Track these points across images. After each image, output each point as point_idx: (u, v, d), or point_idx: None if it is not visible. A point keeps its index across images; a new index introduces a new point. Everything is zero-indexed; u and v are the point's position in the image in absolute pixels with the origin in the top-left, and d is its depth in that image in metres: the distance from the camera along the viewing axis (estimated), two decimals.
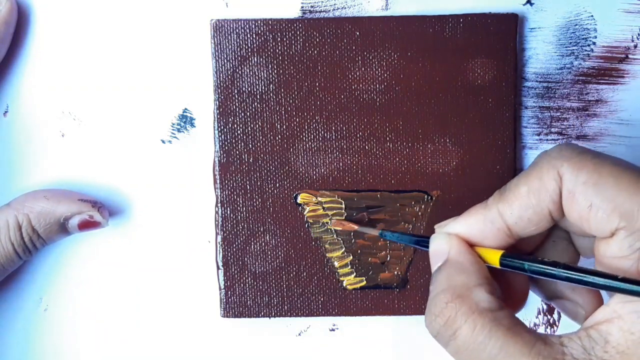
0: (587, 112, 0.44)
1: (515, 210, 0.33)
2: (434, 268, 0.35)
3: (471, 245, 0.35)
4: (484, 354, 0.31)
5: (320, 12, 0.43)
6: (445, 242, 0.35)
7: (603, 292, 0.35)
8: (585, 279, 0.30)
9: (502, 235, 0.34)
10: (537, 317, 0.45)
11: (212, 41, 0.43)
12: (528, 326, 0.32)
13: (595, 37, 0.43)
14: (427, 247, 0.36)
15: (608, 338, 0.30)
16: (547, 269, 0.32)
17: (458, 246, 0.34)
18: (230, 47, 0.43)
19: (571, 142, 0.34)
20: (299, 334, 0.46)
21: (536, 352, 0.30)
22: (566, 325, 0.45)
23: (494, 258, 0.34)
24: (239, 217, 0.44)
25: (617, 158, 0.32)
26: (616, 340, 0.30)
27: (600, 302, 0.36)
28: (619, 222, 0.31)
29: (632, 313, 0.30)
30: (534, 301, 0.45)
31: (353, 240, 0.44)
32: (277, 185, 0.44)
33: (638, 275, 0.31)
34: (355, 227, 0.43)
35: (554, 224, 0.34)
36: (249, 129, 0.43)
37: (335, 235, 0.44)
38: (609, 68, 0.44)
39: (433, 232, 0.36)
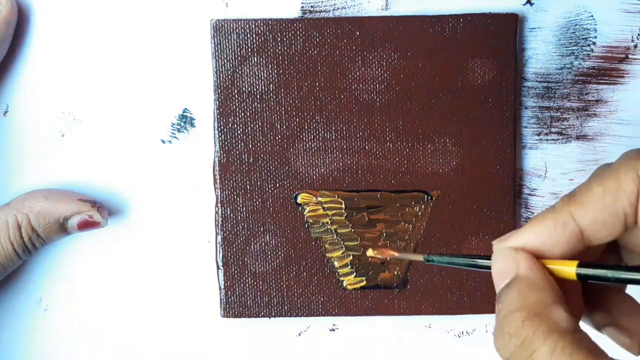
0: (587, 112, 0.44)
1: (589, 211, 0.31)
2: (499, 287, 0.32)
3: (538, 258, 0.32)
4: None
5: (320, 12, 0.43)
6: (511, 258, 0.32)
7: None
8: None
9: (574, 240, 0.31)
10: None
11: (212, 41, 0.43)
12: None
13: (595, 37, 0.43)
14: (483, 267, 0.33)
15: None
16: (633, 275, 0.30)
17: (527, 261, 0.31)
18: (230, 47, 0.43)
19: None
20: (299, 334, 0.46)
21: None
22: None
23: (566, 271, 0.31)
24: (239, 217, 0.44)
25: None
26: None
27: None
28: None
29: None
30: None
31: (358, 241, 0.44)
32: (277, 185, 0.44)
33: None
34: (395, 254, 0.39)
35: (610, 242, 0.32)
36: (249, 129, 0.43)
37: (335, 235, 0.44)
38: (609, 68, 0.44)
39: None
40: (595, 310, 0.35)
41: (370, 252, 0.40)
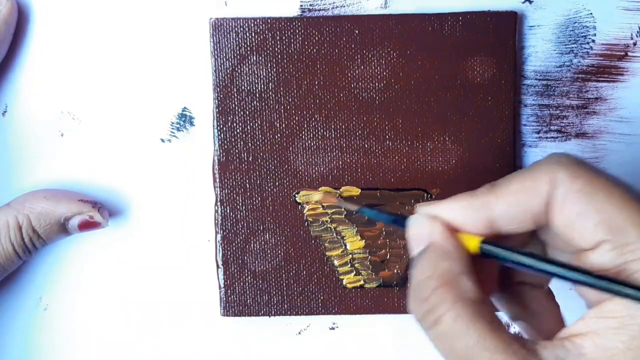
0: (586, 109, 0.44)
1: (502, 204, 0.33)
2: (414, 251, 0.34)
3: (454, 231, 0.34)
4: (460, 343, 0.31)
5: (319, 10, 0.43)
6: (428, 225, 0.34)
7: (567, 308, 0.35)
8: (564, 274, 0.31)
9: (483, 225, 0.33)
10: None
11: (211, 40, 0.43)
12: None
13: (595, 34, 0.43)
14: (402, 226, 0.35)
15: (582, 351, 0.30)
16: (527, 260, 0.32)
17: (442, 231, 0.33)
18: (229, 45, 0.43)
19: (567, 153, 0.34)
20: (299, 333, 0.46)
21: (512, 351, 0.30)
22: None
23: (472, 244, 0.33)
24: (239, 216, 0.44)
25: (610, 174, 0.32)
26: (591, 354, 0.30)
27: (560, 323, 0.36)
28: (605, 234, 0.31)
29: (608, 329, 0.30)
30: None
31: (357, 235, 0.44)
32: (277, 183, 0.44)
33: None
34: (334, 200, 0.42)
35: (533, 232, 0.34)
36: (249, 127, 0.43)
37: (335, 234, 0.44)
38: (608, 66, 0.44)
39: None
40: (513, 301, 0.37)
41: (315, 196, 0.43)
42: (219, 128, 0.43)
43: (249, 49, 0.43)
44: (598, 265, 0.31)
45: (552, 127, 0.44)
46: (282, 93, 0.43)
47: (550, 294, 0.37)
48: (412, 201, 0.44)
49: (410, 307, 0.33)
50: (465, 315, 0.31)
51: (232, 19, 0.43)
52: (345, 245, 0.44)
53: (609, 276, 0.30)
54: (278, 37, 0.43)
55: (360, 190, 0.44)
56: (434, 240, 0.33)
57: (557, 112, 0.44)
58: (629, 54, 0.44)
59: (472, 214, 0.33)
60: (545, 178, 0.32)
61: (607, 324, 0.30)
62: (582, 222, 0.31)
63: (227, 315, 0.45)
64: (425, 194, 0.44)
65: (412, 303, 0.33)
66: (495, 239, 0.34)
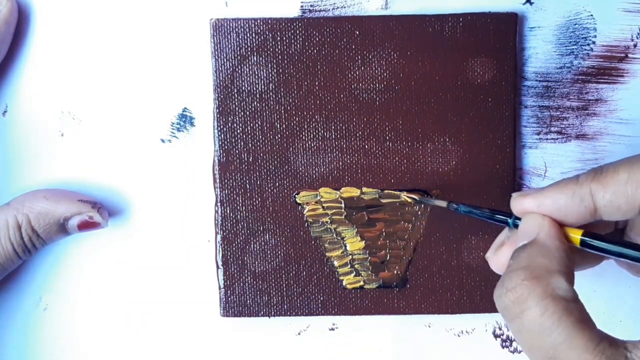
0: (586, 111, 0.44)
1: (608, 194, 0.32)
2: (519, 244, 0.34)
3: (561, 226, 0.34)
4: (548, 339, 0.30)
5: (319, 11, 0.43)
6: (537, 223, 0.34)
7: None
8: None
9: (586, 214, 0.33)
10: None
11: (212, 40, 0.43)
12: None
13: (595, 36, 0.43)
14: (504, 222, 0.35)
15: None
16: (631, 252, 0.32)
17: (549, 229, 0.33)
18: (229, 46, 0.43)
19: None
20: (299, 333, 0.46)
21: (600, 350, 0.30)
22: None
23: (574, 237, 0.33)
24: (239, 217, 0.44)
25: None
26: None
27: None
28: None
29: None
30: None
31: (356, 236, 0.44)
32: (277, 184, 0.44)
33: None
34: (416, 196, 0.42)
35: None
36: (249, 128, 0.43)
37: (335, 235, 0.44)
38: (609, 67, 0.44)
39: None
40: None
41: (403, 195, 0.43)
42: (219, 128, 0.43)
43: (249, 49, 0.43)
44: None
45: (552, 129, 0.44)
46: (282, 94, 0.43)
47: None
48: (412, 202, 0.44)
49: (495, 295, 0.33)
50: (554, 312, 0.30)
51: (233, 19, 0.43)
52: (345, 246, 0.44)
53: None
54: (278, 38, 0.43)
55: (359, 191, 0.44)
56: (539, 237, 0.33)
57: (558, 113, 0.44)
58: (629, 55, 0.44)
59: (578, 202, 0.33)
60: None
61: None
62: None
63: (226, 316, 0.45)
64: (426, 195, 0.44)
65: (498, 290, 0.33)
66: (590, 226, 0.34)
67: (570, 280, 0.32)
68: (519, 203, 0.35)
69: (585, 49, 0.44)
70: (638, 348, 0.30)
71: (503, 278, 0.33)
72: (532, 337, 0.31)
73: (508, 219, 0.36)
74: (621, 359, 0.30)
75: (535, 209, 0.34)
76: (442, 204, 0.39)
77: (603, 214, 0.33)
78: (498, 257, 0.36)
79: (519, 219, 0.35)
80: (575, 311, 0.31)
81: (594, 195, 0.33)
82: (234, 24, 0.43)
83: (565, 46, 0.44)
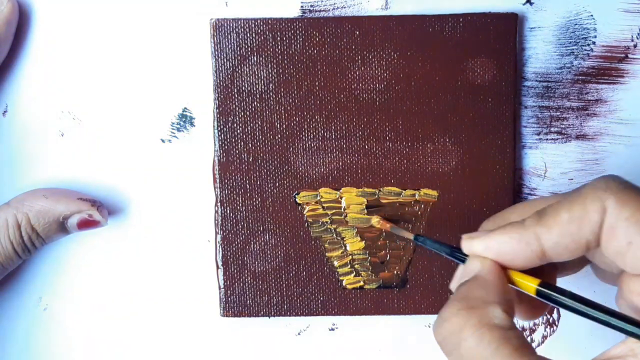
0: (586, 111, 0.44)
1: (554, 235, 0.32)
2: (462, 282, 0.34)
3: (504, 268, 0.34)
4: None
5: (320, 11, 0.43)
6: (479, 262, 0.34)
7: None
8: (626, 327, 0.30)
9: (534, 257, 0.33)
10: None
11: (212, 40, 0.43)
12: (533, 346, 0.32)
13: (595, 36, 0.43)
14: (461, 260, 0.36)
15: None
16: (586, 309, 0.31)
17: (489, 267, 0.34)
18: (230, 46, 0.43)
19: (616, 176, 0.33)
20: (299, 334, 0.46)
21: None
22: (566, 325, 0.45)
23: (529, 286, 0.33)
24: (239, 217, 0.44)
25: None
26: None
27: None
28: None
29: None
30: None
31: (356, 238, 0.44)
32: (277, 184, 0.44)
33: None
34: (388, 226, 0.43)
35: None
36: (249, 128, 0.43)
37: (335, 235, 0.44)
38: (609, 68, 0.44)
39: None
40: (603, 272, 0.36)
41: (374, 221, 0.43)
42: (219, 128, 0.43)
43: (249, 49, 0.43)
44: None
45: (552, 129, 0.44)
46: (282, 94, 0.43)
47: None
48: (412, 202, 0.44)
49: (433, 328, 0.33)
50: (490, 341, 0.30)
51: (233, 19, 0.43)
52: (345, 246, 0.44)
53: None
54: (279, 38, 0.43)
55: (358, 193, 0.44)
56: (479, 273, 0.33)
57: (558, 113, 0.44)
58: (630, 55, 0.44)
59: (524, 247, 0.33)
60: (595, 206, 0.32)
61: None
62: (632, 251, 0.31)
63: (226, 316, 0.45)
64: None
65: (435, 325, 0.33)
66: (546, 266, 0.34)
67: (508, 311, 0.32)
68: (467, 245, 0.35)
69: (586, 50, 0.44)
70: None
71: (441, 310, 0.33)
72: None
73: (466, 257, 0.36)
74: None
75: (482, 252, 0.34)
76: (409, 236, 0.40)
77: (552, 256, 0.33)
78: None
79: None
80: (512, 339, 0.30)
81: (540, 239, 0.33)
82: (234, 24, 0.43)
83: (566, 46, 0.44)
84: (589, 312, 0.31)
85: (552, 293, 0.32)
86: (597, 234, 0.32)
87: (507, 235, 0.34)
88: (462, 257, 0.36)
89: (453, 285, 0.36)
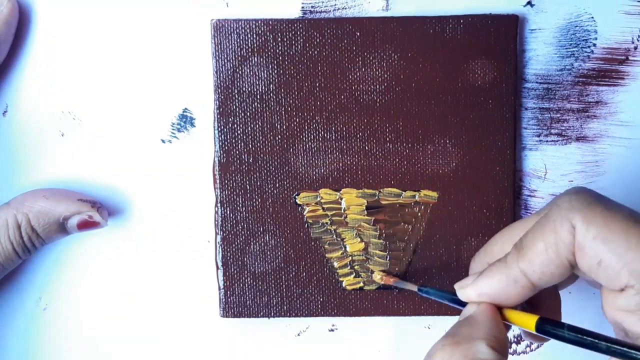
0: (587, 113, 0.44)
1: (537, 267, 0.33)
2: None
3: (501, 308, 0.35)
4: None
5: (320, 12, 0.43)
6: (475, 305, 0.35)
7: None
8: (629, 354, 0.30)
9: (526, 291, 0.34)
10: None
11: (213, 41, 0.43)
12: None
13: (596, 38, 0.43)
14: (461, 306, 0.37)
15: None
16: (587, 339, 0.32)
17: (483, 307, 0.34)
18: (230, 47, 0.43)
19: (581, 189, 0.33)
20: (298, 334, 0.46)
21: None
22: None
23: (529, 323, 0.34)
24: (239, 217, 0.44)
25: (628, 210, 0.32)
26: None
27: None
28: (629, 280, 0.31)
29: None
30: None
31: (359, 238, 0.44)
32: (277, 185, 0.44)
33: None
34: (392, 280, 0.43)
35: None
36: (249, 129, 0.43)
37: (335, 236, 0.44)
38: (609, 69, 0.44)
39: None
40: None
41: (376, 277, 0.44)
42: (219, 129, 0.43)
43: (250, 50, 0.43)
44: (626, 307, 0.31)
45: (552, 131, 0.44)
46: (283, 95, 0.43)
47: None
48: (412, 204, 0.44)
49: None
50: None
51: (234, 20, 0.43)
52: (345, 247, 0.44)
53: None
54: (279, 39, 0.43)
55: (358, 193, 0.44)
56: (472, 314, 0.34)
57: (558, 115, 0.44)
58: (630, 57, 0.44)
59: (513, 285, 0.34)
60: (564, 228, 0.32)
61: None
62: (604, 269, 0.31)
63: (226, 317, 0.45)
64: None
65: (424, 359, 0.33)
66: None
67: (496, 347, 0.32)
68: (462, 295, 0.36)
69: (586, 51, 0.44)
70: None
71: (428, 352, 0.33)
72: None
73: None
74: None
75: (476, 298, 0.35)
76: (413, 288, 0.41)
77: (542, 285, 0.34)
78: None
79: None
80: None
81: (526, 274, 0.33)
82: (235, 25, 0.43)
83: (566, 48, 0.44)
84: (590, 343, 0.31)
85: (550, 329, 0.33)
86: (574, 253, 0.32)
87: (494, 279, 0.34)
88: (463, 304, 0.36)
89: None
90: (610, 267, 0.31)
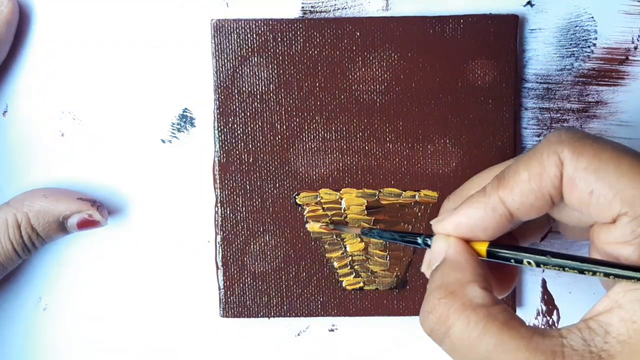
0: (587, 113, 0.44)
1: (516, 196, 0.33)
2: (433, 267, 0.34)
3: (467, 241, 0.34)
4: (479, 349, 0.30)
5: (320, 12, 0.43)
6: (443, 242, 0.34)
7: (600, 280, 0.34)
8: (584, 267, 0.31)
9: (504, 221, 0.33)
10: (536, 319, 0.45)
11: (213, 41, 0.43)
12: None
13: (596, 38, 0.44)
14: (414, 243, 0.36)
15: (608, 329, 0.30)
16: (539, 258, 0.32)
17: (455, 245, 0.34)
18: (230, 47, 0.43)
19: (571, 127, 0.33)
20: (298, 334, 0.46)
21: (533, 346, 0.30)
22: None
23: (480, 249, 0.34)
24: (239, 217, 0.44)
25: (616, 143, 0.32)
26: (617, 330, 0.30)
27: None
28: (621, 207, 0.30)
29: (634, 302, 0.30)
30: (533, 303, 0.45)
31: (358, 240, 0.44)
32: (277, 185, 0.44)
33: (639, 260, 0.31)
34: (330, 228, 0.43)
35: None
36: (249, 128, 0.43)
37: (335, 236, 0.44)
38: (609, 69, 0.44)
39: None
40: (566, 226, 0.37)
41: (314, 227, 0.43)
42: (219, 129, 0.43)
43: (250, 50, 0.43)
44: (621, 238, 0.31)
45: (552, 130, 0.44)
46: (283, 95, 0.43)
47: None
48: (412, 204, 0.44)
49: (420, 321, 0.33)
50: (477, 321, 0.30)
51: (234, 20, 0.43)
52: (345, 247, 0.44)
53: (627, 264, 0.30)
54: (279, 39, 0.43)
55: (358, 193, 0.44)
56: (447, 255, 0.34)
57: (558, 115, 0.44)
58: (630, 57, 0.44)
59: (491, 214, 0.33)
60: (551, 160, 0.32)
61: (634, 297, 0.30)
62: (595, 199, 0.31)
63: (226, 317, 0.45)
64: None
65: (421, 317, 0.33)
66: (517, 229, 0.34)
67: (486, 286, 0.32)
68: (438, 227, 0.35)
69: (586, 51, 0.44)
70: (573, 332, 0.30)
71: (423, 303, 0.33)
72: (465, 352, 0.31)
73: (417, 238, 0.36)
74: (557, 348, 0.30)
75: (453, 230, 0.34)
76: (356, 231, 0.41)
77: (520, 216, 0.33)
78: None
79: (429, 236, 0.36)
80: (498, 315, 0.31)
81: (505, 202, 0.33)
82: (235, 25, 0.43)
83: (566, 48, 0.44)
84: (550, 262, 0.32)
85: (499, 251, 0.33)
86: (558, 188, 0.32)
87: (471, 208, 0.34)
88: (415, 239, 0.36)
89: (424, 268, 0.37)
90: (603, 195, 0.31)
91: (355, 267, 0.44)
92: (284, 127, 0.43)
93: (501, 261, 0.33)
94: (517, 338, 0.30)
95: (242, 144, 0.44)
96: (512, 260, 0.33)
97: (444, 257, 0.34)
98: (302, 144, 0.44)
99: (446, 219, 0.35)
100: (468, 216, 0.34)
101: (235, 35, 0.43)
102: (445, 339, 0.31)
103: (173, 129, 0.44)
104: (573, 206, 0.32)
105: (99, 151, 0.44)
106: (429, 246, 0.36)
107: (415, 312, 0.44)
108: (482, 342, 0.30)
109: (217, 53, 0.43)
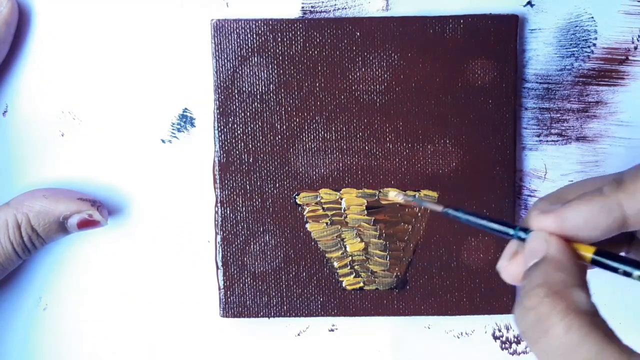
0: (587, 113, 0.44)
1: (637, 202, 0.31)
2: (528, 265, 0.32)
3: (568, 241, 0.32)
4: (577, 356, 0.29)
5: (320, 12, 0.43)
6: (544, 240, 0.32)
7: None
8: None
9: (614, 227, 0.32)
10: None
11: (213, 41, 0.43)
12: None
13: (596, 38, 0.44)
14: (505, 233, 0.34)
15: None
16: None
17: (558, 245, 0.32)
18: (230, 47, 0.43)
19: None
20: (298, 334, 0.46)
21: None
22: None
23: (585, 254, 0.32)
24: (239, 217, 0.44)
25: None
26: None
27: None
28: None
29: None
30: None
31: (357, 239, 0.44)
32: (277, 185, 0.44)
33: None
34: (410, 199, 0.40)
35: None
36: (249, 129, 0.43)
37: (334, 236, 0.44)
38: (609, 69, 0.44)
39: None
40: None
41: (391, 194, 0.41)
42: (219, 129, 0.43)
43: (250, 50, 0.43)
44: None
45: (552, 131, 0.44)
46: (283, 95, 0.43)
47: None
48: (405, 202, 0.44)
49: (515, 317, 0.31)
50: (580, 327, 0.29)
51: (234, 20, 0.43)
52: (345, 247, 0.44)
53: None
54: (279, 39, 0.43)
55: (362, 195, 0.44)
56: (550, 253, 0.32)
57: (558, 115, 0.44)
58: (630, 57, 0.44)
59: (605, 216, 0.32)
60: None
61: None
62: None
63: (226, 317, 0.45)
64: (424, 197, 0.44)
65: (518, 312, 0.31)
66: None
67: (589, 294, 0.31)
68: (539, 221, 0.33)
69: (586, 51, 0.44)
70: None
71: (521, 298, 0.31)
72: (560, 357, 0.29)
73: (511, 230, 0.34)
74: None
75: (556, 226, 0.32)
76: (438, 208, 0.36)
77: (633, 224, 0.32)
78: (512, 268, 0.34)
79: (524, 230, 0.34)
80: (601, 324, 0.29)
81: (623, 206, 0.31)
82: (235, 25, 0.43)
83: (566, 48, 0.44)
84: None
85: (608, 261, 0.31)
86: None
87: (586, 205, 0.32)
88: (507, 232, 0.34)
89: (502, 265, 0.34)
90: None
91: (355, 267, 0.44)
92: (284, 127, 0.43)
93: (606, 269, 0.32)
94: (619, 352, 0.28)
95: (242, 144, 0.44)
96: (621, 272, 0.31)
97: (544, 255, 0.32)
98: (302, 144, 0.44)
99: (552, 213, 0.32)
100: (579, 212, 0.32)
101: (235, 35, 0.43)
102: (541, 340, 0.30)
103: (173, 129, 0.44)
104: None
105: (99, 151, 0.44)
106: (522, 240, 0.34)
107: (415, 312, 0.44)
108: (582, 349, 0.29)
109: (217, 53, 0.43)
